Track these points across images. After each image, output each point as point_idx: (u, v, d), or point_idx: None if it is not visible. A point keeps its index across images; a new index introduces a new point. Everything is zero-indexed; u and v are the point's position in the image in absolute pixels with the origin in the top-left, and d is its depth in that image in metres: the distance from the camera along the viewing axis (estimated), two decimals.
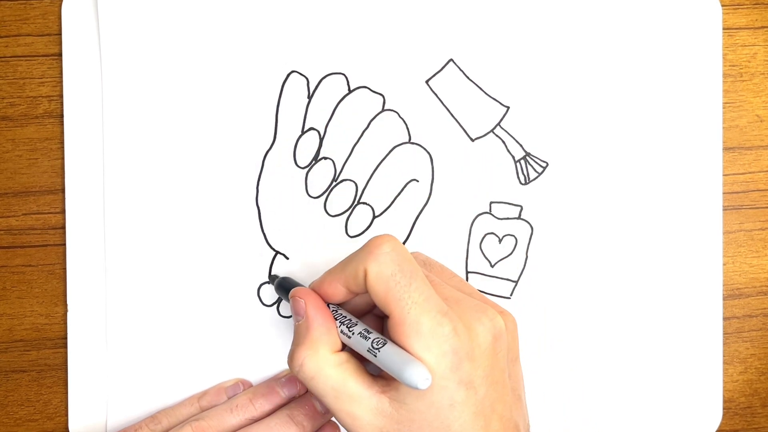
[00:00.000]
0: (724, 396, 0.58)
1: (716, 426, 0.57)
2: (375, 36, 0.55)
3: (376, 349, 0.43)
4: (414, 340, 0.42)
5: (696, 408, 0.57)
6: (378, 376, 0.45)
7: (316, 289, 0.47)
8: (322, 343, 0.45)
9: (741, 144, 0.58)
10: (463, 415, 0.43)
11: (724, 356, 0.58)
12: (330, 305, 0.47)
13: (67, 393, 0.55)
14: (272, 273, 0.55)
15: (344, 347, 0.46)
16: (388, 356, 0.42)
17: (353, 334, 0.45)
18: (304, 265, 0.55)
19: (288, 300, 0.48)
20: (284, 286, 0.51)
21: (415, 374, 0.41)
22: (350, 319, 0.46)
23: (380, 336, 0.44)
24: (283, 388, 0.54)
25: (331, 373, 0.44)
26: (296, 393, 0.54)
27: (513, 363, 0.47)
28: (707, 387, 0.57)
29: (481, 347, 0.43)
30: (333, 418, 0.52)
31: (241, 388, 0.54)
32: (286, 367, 0.55)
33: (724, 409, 0.58)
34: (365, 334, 0.44)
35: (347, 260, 0.45)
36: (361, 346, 0.44)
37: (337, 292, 0.46)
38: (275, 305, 0.55)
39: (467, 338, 0.43)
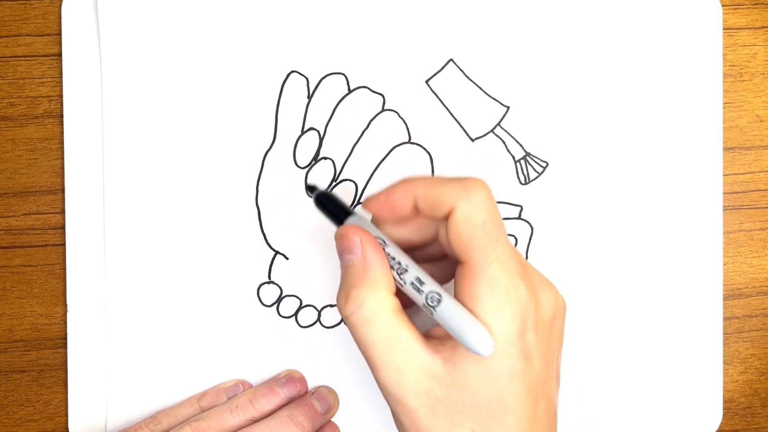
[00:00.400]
0: (724, 396, 0.58)
1: (716, 426, 0.57)
2: (375, 36, 0.55)
3: (432, 305, 0.40)
4: (487, 297, 0.39)
5: (696, 408, 0.57)
6: (427, 333, 0.42)
7: (382, 198, 0.43)
8: (383, 285, 0.41)
9: (741, 144, 0.58)
10: (520, 389, 0.40)
11: (724, 356, 0.58)
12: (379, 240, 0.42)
13: (66, 393, 0.55)
14: (308, 183, 0.51)
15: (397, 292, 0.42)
16: (448, 313, 0.39)
17: (405, 283, 0.41)
18: (303, 265, 0.55)
19: (328, 216, 0.45)
20: (326, 206, 0.46)
21: (481, 338, 0.38)
22: (400, 263, 0.41)
23: (436, 287, 0.40)
24: (282, 388, 0.54)
25: (389, 319, 0.41)
26: (296, 393, 0.54)
27: (560, 347, 0.45)
28: (707, 387, 0.57)
29: (543, 320, 0.42)
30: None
31: (241, 388, 0.54)
32: (286, 367, 0.55)
33: (724, 409, 0.58)
34: (417, 284, 0.40)
35: (433, 183, 0.41)
36: (415, 296, 0.41)
37: (404, 206, 0.42)
38: (275, 305, 0.55)
39: (535, 306, 0.41)
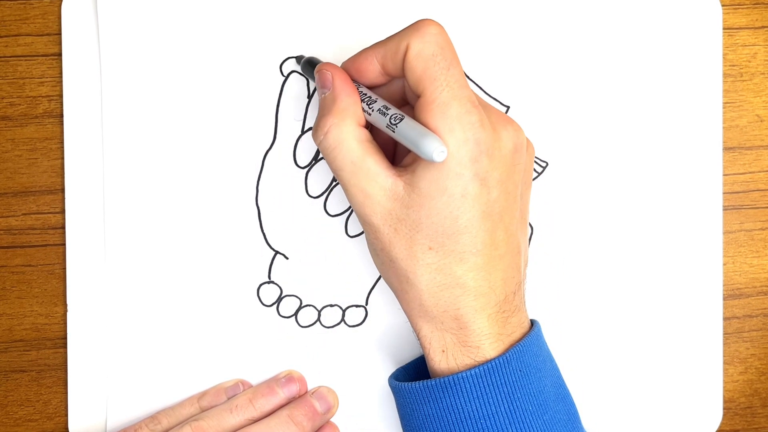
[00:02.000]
0: (724, 396, 0.58)
1: (716, 426, 0.57)
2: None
3: (395, 124, 0.43)
4: (439, 120, 0.42)
5: (696, 408, 0.57)
6: (396, 165, 0.46)
7: (348, 65, 0.47)
8: (348, 114, 0.45)
9: (741, 144, 0.58)
10: (473, 210, 0.43)
11: (724, 356, 0.58)
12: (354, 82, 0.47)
13: (66, 393, 0.55)
14: (298, 55, 0.54)
15: (367, 126, 0.46)
16: (406, 129, 0.43)
17: (373, 111, 0.45)
18: (303, 265, 0.55)
19: (314, 79, 0.49)
20: (312, 64, 0.51)
21: (432, 145, 0.41)
22: (370, 96, 0.46)
23: (400, 111, 0.44)
24: (282, 388, 0.54)
25: (353, 146, 0.44)
26: (296, 393, 0.54)
27: (526, 187, 0.48)
28: (707, 387, 0.57)
29: (502, 151, 0.44)
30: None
31: (240, 388, 0.54)
32: (286, 367, 0.55)
33: (724, 409, 0.58)
34: (384, 110, 0.44)
35: (389, 38, 0.45)
36: (381, 121, 0.44)
37: (371, 69, 0.46)
38: (275, 305, 0.55)
39: (491, 135, 0.43)
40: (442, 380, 0.45)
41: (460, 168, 0.43)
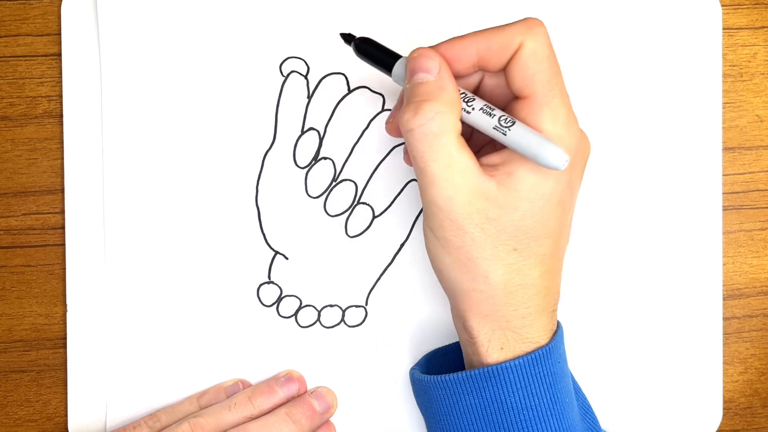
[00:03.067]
0: (724, 396, 0.58)
1: (716, 426, 0.57)
2: (375, 36, 0.55)
3: (506, 127, 0.42)
4: (550, 125, 0.42)
5: (696, 408, 0.57)
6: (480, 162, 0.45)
7: (442, 51, 0.44)
8: (456, 106, 0.43)
9: (741, 144, 0.58)
10: (561, 216, 0.44)
11: (724, 356, 0.58)
12: None
13: (66, 393, 0.55)
14: (345, 33, 0.49)
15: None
16: (522, 134, 0.42)
17: (474, 109, 0.43)
18: (303, 265, 0.55)
19: (368, 58, 0.47)
20: (369, 53, 0.48)
21: (556, 153, 0.40)
22: (465, 93, 0.44)
23: (507, 114, 0.43)
24: (282, 387, 0.54)
25: (453, 138, 0.42)
26: (295, 392, 0.54)
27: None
28: (707, 387, 0.57)
29: (584, 158, 0.45)
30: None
31: (240, 387, 0.54)
32: (286, 367, 0.55)
33: (724, 409, 0.58)
34: (488, 110, 0.43)
35: (491, 30, 0.44)
36: (484, 122, 0.43)
37: (466, 58, 0.44)
38: (275, 305, 0.55)
39: (586, 144, 0.44)
40: (488, 369, 0.45)
41: (561, 175, 0.43)
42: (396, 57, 0.46)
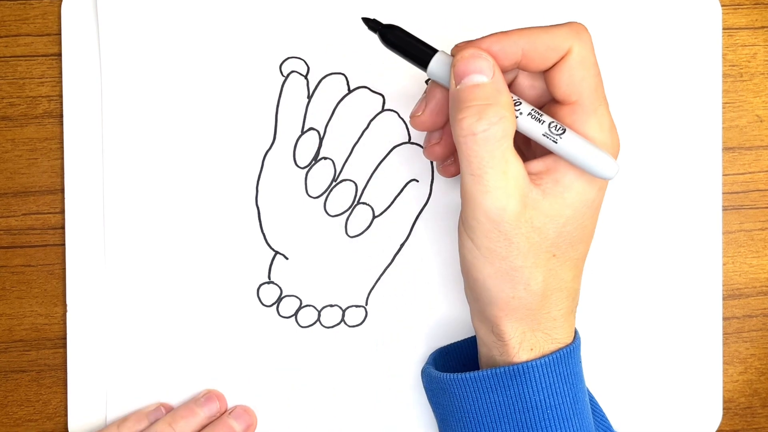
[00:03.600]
0: (724, 396, 0.58)
1: (716, 426, 0.57)
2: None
3: (557, 134, 0.41)
4: (598, 133, 0.42)
5: (696, 408, 0.57)
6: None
7: (488, 46, 0.42)
8: (513, 110, 0.42)
9: (741, 144, 0.58)
10: (596, 221, 0.45)
11: (724, 356, 0.58)
12: None
13: (66, 393, 0.55)
14: (374, 19, 0.46)
15: None
16: (574, 143, 0.41)
17: (522, 114, 0.42)
18: (303, 265, 0.55)
19: (401, 53, 0.45)
20: (402, 37, 0.45)
21: (609, 163, 0.41)
22: (511, 95, 0.42)
23: (554, 119, 0.42)
24: (202, 408, 0.54)
25: (510, 145, 0.41)
26: (216, 411, 0.54)
27: None
28: (707, 387, 0.57)
29: None
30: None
31: (162, 411, 0.54)
32: (286, 367, 0.55)
33: (724, 409, 0.58)
34: (537, 116, 0.42)
35: (538, 30, 0.43)
36: (533, 128, 0.42)
37: (511, 57, 0.43)
38: (275, 305, 0.55)
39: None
40: (515, 368, 0.45)
41: (604, 182, 0.44)
42: (431, 50, 0.44)
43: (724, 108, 0.57)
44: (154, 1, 0.54)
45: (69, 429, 0.55)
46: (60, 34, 0.55)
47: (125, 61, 0.54)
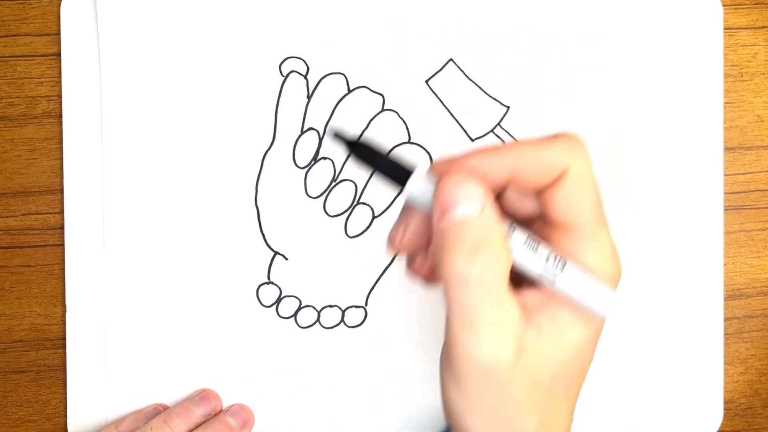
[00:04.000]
0: (724, 397, 0.58)
1: (717, 427, 0.57)
2: (374, 36, 0.55)
3: (556, 269, 0.36)
4: (600, 262, 0.37)
5: (697, 409, 0.57)
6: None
7: (473, 167, 0.36)
8: (505, 247, 0.35)
9: (741, 144, 0.58)
10: (592, 358, 0.39)
11: (724, 357, 0.58)
12: None
13: (65, 393, 0.55)
14: (331, 129, 0.41)
15: None
16: (575, 281, 0.35)
17: (515, 245, 0.36)
18: (303, 265, 0.55)
19: (373, 169, 0.37)
20: (374, 155, 0.37)
21: (610, 304, 0.36)
22: (504, 223, 0.36)
23: (552, 250, 0.36)
24: (197, 406, 0.54)
25: (504, 286, 0.35)
26: (211, 411, 0.54)
27: None
28: (708, 388, 0.57)
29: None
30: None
31: (160, 411, 0.54)
32: (286, 367, 0.55)
33: (724, 409, 0.58)
34: (533, 245, 0.36)
35: (530, 147, 0.36)
36: (530, 263, 0.36)
37: (498, 176, 0.36)
38: (274, 306, 0.55)
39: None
40: None
41: (602, 325, 0.39)
42: (406, 169, 0.36)
43: (724, 108, 0.57)
44: (154, 1, 0.54)
45: (68, 429, 0.55)
46: (59, 34, 0.55)
47: (124, 61, 0.54)
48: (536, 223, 0.38)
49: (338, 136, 0.37)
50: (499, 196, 0.39)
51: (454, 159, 0.36)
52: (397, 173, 0.36)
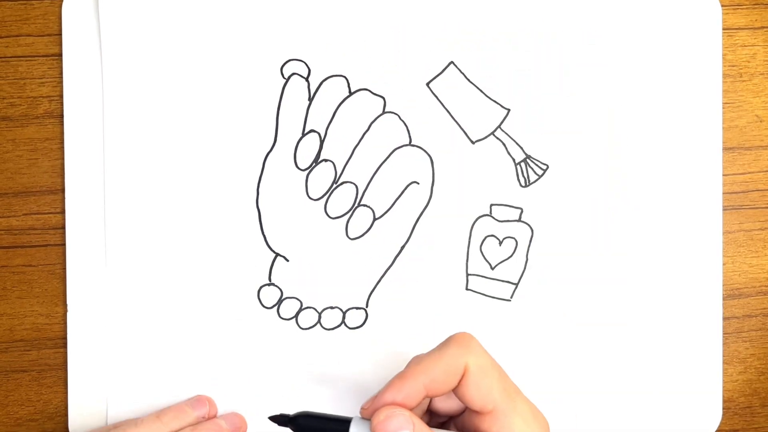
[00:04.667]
0: (723, 396, 0.58)
1: (716, 426, 0.58)
2: (376, 38, 0.55)
3: None
4: (526, 427, 0.42)
5: (696, 408, 0.57)
6: None
7: (393, 397, 0.42)
8: None
9: (741, 144, 0.58)
10: None
11: (723, 356, 0.58)
12: None
13: (67, 393, 0.55)
14: (281, 414, 0.46)
15: None
16: None
17: None
18: (304, 267, 0.55)
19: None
20: (313, 421, 0.45)
21: None
22: None
23: None
24: (191, 407, 0.54)
25: None
26: (205, 413, 0.54)
27: None
28: (707, 387, 0.57)
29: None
30: None
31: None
32: (286, 368, 0.56)
33: (723, 409, 0.58)
34: None
35: (431, 361, 0.43)
36: None
37: (415, 396, 0.42)
38: (275, 307, 0.55)
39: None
40: None
41: None
42: (345, 420, 0.44)
43: (723, 108, 0.57)
44: (156, 2, 0.54)
45: (69, 428, 0.55)
46: (61, 34, 0.55)
47: (126, 62, 0.54)
48: (465, 413, 0.45)
49: (275, 420, 0.45)
50: (428, 406, 0.46)
51: (377, 398, 0.43)
52: (340, 427, 0.43)
